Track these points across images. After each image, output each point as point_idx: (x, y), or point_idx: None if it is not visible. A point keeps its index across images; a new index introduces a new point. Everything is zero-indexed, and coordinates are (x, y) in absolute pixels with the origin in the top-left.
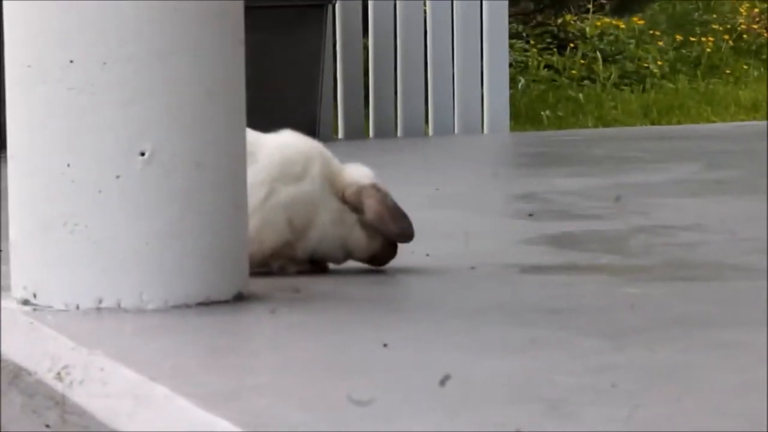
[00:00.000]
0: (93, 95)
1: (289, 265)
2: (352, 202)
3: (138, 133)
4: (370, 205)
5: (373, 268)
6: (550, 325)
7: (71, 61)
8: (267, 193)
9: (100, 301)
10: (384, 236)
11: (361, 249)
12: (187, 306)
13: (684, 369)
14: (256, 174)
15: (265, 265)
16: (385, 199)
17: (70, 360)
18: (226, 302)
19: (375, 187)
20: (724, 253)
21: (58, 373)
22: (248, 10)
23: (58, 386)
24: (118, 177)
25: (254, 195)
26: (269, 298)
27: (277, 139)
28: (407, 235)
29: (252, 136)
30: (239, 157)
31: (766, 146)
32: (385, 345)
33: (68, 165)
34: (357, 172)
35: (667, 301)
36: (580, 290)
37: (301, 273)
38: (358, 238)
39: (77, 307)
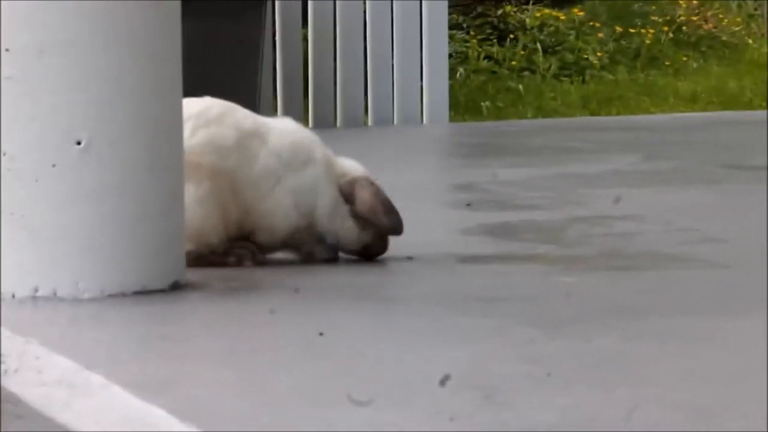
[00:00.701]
0: (29, 84)
1: (247, 257)
2: (344, 191)
3: (75, 122)
4: (363, 197)
5: (362, 260)
6: (486, 314)
7: (7, 50)
8: (276, 181)
9: (36, 290)
10: (375, 229)
11: (352, 241)
12: (124, 295)
13: (619, 358)
14: (267, 158)
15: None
16: (378, 192)
17: (5, 349)
18: (162, 291)
19: (368, 180)
20: (660, 243)
21: None
22: (187, 0)
23: None
24: (54, 166)
25: (265, 182)
26: (206, 286)
27: (282, 123)
28: (398, 229)
29: (256, 118)
30: (176, 146)
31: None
32: (321, 334)
33: (4, 154)
34: (349, 164)
35: (603, 290)
36: (516, 280)
37: (260, 264)
38: (349, 229)
39: (13, 296)
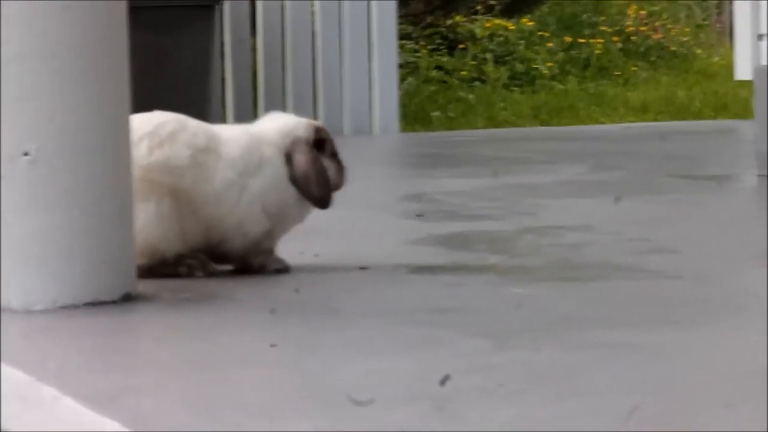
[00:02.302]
0: None
1: (197, 268)
2: (288, 153)
3: (23, 132)
4: (299, 162)
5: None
6: (437, 325)
7: None
8: (240, 191)
9: None
10: (304, 196)
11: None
12: (75, 306)
13: (568, 369)
14: (224, 172)
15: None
16: (316, 159)
17: None
18: (113, 302)
19: (308, 142)
20: (609, 253)
21: None
22: (137, 10)
23: None
24: (3, 177)
25: (229, 194)
26: (157, 298)
27: (227, 131)
28: (325, 202)
29: (208, 130)
30: (123, 157)
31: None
32: (273, 345)
33: None
34: (292, 121)
35: (552, 301)
36: (467, 291)
37: (211, 275)
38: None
39: None
